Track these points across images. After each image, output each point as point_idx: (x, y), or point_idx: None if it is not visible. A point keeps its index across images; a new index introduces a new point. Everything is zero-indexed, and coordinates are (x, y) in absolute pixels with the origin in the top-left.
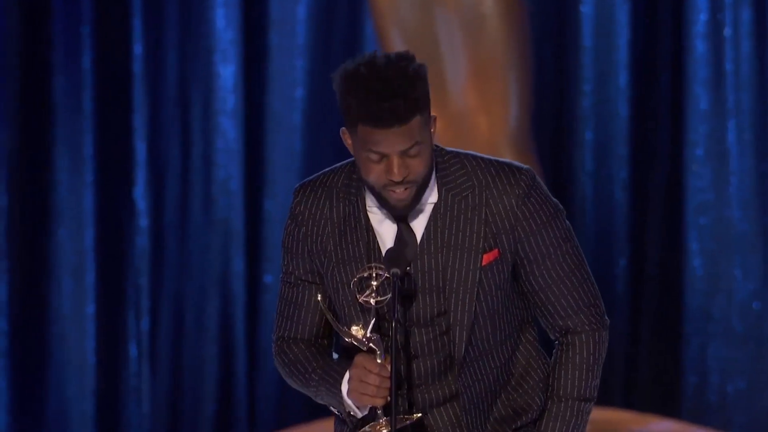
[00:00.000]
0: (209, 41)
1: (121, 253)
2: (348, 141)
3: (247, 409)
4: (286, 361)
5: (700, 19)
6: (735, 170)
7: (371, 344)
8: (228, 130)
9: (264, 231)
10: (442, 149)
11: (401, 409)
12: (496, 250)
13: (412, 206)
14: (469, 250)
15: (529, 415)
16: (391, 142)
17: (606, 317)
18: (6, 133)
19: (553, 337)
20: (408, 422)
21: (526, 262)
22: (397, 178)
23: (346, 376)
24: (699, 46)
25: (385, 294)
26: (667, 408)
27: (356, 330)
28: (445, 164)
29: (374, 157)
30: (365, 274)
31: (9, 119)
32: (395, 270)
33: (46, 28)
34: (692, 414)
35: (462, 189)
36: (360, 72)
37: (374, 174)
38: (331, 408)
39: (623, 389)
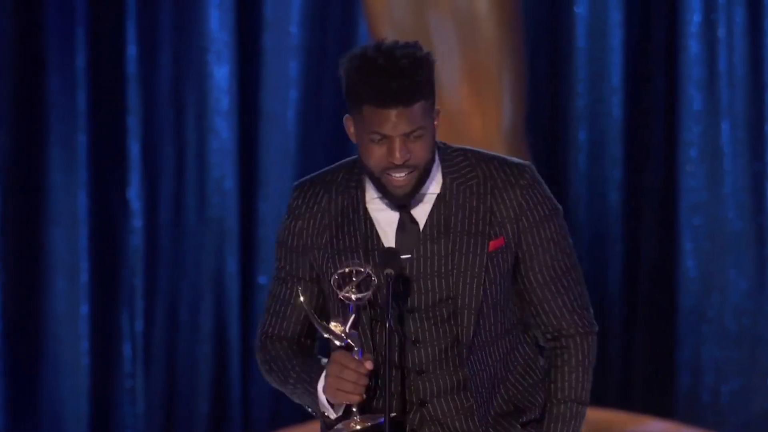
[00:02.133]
0: (203, 42)
1: (115, 253)
2: (351, 129)
3: (241, 409)
4: (267, 358)
5: (693, 19)
6: (729, 170)
7: (349, 340)
8: (222, 130)
9: (258, 231)
10: (448, 145)
11: (413, 400)
12: (502, 237)
13: (412, 194)
14: (476, 236)
15: (531, 414)
16: (394, 123)
17: (596, 324)
18: (0, 132)
19: (543, 342)
20: (378, 421)
21: (527, 256)
22: (398, 161)
23: (323, 375)
24: (693, 47)
25: (366, 290)
26: (661, 408)
27: (334, 326)
28: (449, 157)
29: (376, 138)
30: (346, 270)
31: (3, 119)
32: (389, 271)
33: (40, 28)
34: (686, 414)
35: (467, 179)
36: (368, 53)
37: (375, 157)
38: (308, 408)
39: (617, 389)
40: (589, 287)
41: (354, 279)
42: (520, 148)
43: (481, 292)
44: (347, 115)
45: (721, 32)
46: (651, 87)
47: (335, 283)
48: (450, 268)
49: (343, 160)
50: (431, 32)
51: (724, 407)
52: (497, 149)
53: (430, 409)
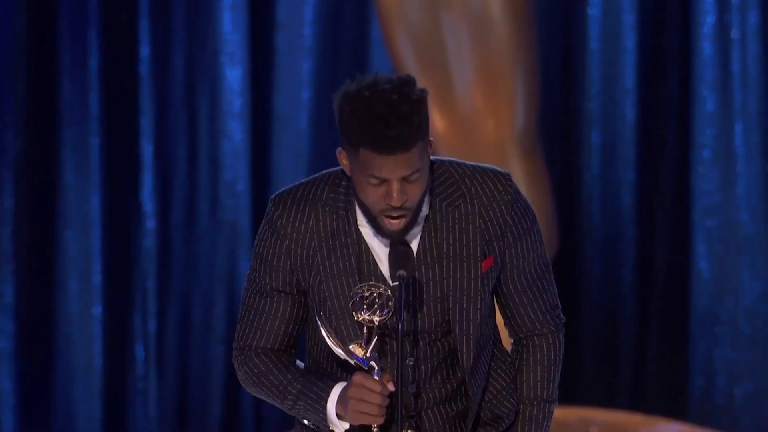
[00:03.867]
0: (216, 43)
1: (127, 255)
2: (344, 162)
3: (253, 412)
4: (255, 371)
5: (707, 21)
6: (742, 172)
7: (372, 362)
8: (235, 132)
9: None
10: (431, 160)
11: (405, 424)
12: (492, 256)
13: (405, 233)
14: (468, 260)
15: (507, 420)
16: (392, 168)
17: (564, 317)
18: (13, 135)
19: (512, 338)
20: None
21: (508, 267)
22: (396, 203)
23: (333, 393)
24: (706, 48)
25: (383, 311)
26: (674, 410)
27: (354, 348)
28: (433, 173)
29: (374, 181)
30: (365, 293)
31: (16, 121)
32: (401, 272)
33: (53, 31)
34: (699, 416)
35: (454, 198)
36: (364, 95)
37: (372, 198)
38: (305, 422)
39: (630, 391)
40: (603, 289)
41: (377, 301)
42: (533, 149)
43: (478, 316)
44: (340, 149)
45: (734, 34)
46: (664, 89)
47: (354, 306)
48: (446, 293)
49: (323, 174)
50: (444, 33)
51: (737, 409)
52: (510, 150)
53: (428, 417)
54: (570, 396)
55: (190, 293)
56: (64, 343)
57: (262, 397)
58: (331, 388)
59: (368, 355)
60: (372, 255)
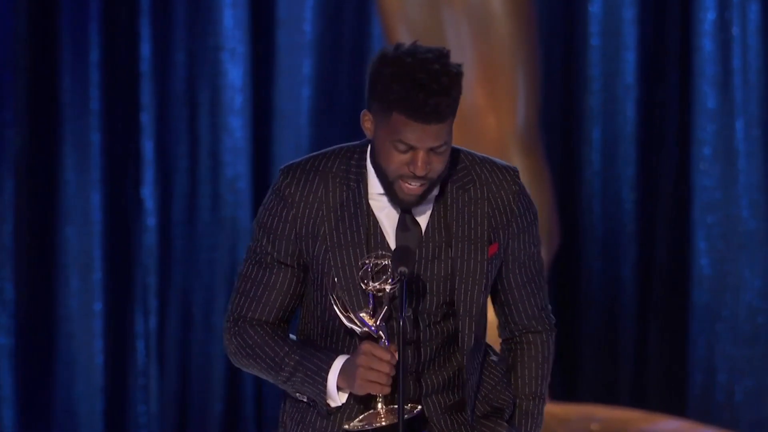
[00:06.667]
0: (217, 40)
1: (128, 252)
2: (368, 124)
3: (254, 408)
4: (250, 343)
5: (707, 17)
6: (743, 169)
7: (380, 331)
8: (236, 128)
9: None
10: None
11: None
12: (497, 243)
13: (419, 202)
14: (476, 242)
15: (507, 411)
16: (423, 137)
17: (554, 319)
18: (14, 131)
19: (505, 336)
20: (414, 412)
21: (509, 259)
22: (420, 173)
23: (336, 364)
24: (706, 45)
25: (393, 280)
26: (675, 407)
27: (364, 316)
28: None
29: (402, 147)
30: (375, 263)
31: (17, 118)
32: (403, 269)
33: (54, 27)
34: (699, 413)
35: (464, 183)
36: (405, 60)
37: (395, 163)
38: (298, 395)
39: (631, 388)
40: (603, 285)
41: (386, 271)
42: (534, 146)
43: (482, 298)
44: (366, 111)
45: (735, 30)
46: (665, 85)
47: (364, 276)
48: (451, 272)
49: (334, 148)
50: (445, 29)
51: (737, 406)
52: (511, 147)
53: (429, 405)
54: (571, 392)
55: (191, 289)
56: (64, 340)
57: (254, 371)
58: (333, 360)
59: (378, 323)
60: (380, 228)
